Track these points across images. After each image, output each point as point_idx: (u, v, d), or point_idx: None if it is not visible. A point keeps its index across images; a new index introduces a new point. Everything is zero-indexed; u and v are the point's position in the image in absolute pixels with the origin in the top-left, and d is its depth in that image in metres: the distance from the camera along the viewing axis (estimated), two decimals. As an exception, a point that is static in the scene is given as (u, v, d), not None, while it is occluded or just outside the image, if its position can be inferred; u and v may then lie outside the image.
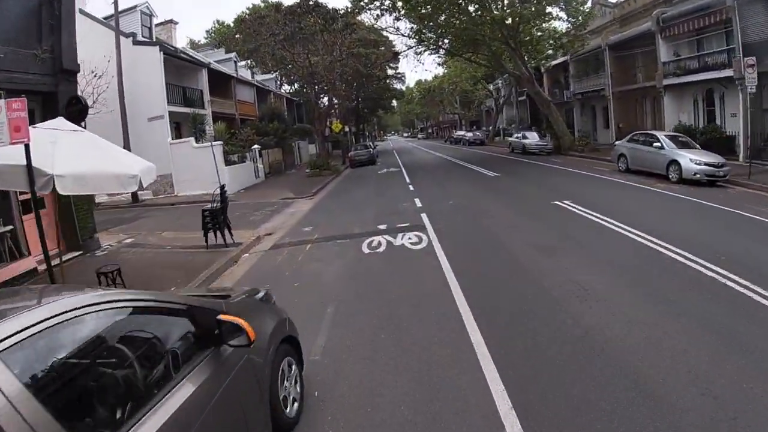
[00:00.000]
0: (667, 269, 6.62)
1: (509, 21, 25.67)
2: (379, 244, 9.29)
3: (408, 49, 32.32)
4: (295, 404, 3.68)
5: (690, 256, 6.94)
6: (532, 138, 30.36)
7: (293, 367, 3.80)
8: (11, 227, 8.66)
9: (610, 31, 28.67)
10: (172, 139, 22.10)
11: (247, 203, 17.69)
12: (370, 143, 41.25)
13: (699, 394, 3.65)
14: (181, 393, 2.32)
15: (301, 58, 28.26)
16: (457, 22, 27.35)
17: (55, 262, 9.76)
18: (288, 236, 11.30)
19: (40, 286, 3.84)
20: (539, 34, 28.90)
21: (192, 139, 21.88)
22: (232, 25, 32.93)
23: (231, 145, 23.63)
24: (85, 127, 8.00)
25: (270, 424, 3.16)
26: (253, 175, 24.58)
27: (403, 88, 64.54)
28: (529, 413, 3.57)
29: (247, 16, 27.60)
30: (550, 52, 31.10)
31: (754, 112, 18.86)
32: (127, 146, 18.91)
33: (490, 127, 52.66)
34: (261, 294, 3.96)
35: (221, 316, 2.67)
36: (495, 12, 24.61)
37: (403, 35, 30.44)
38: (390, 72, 51.34)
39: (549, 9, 26.70)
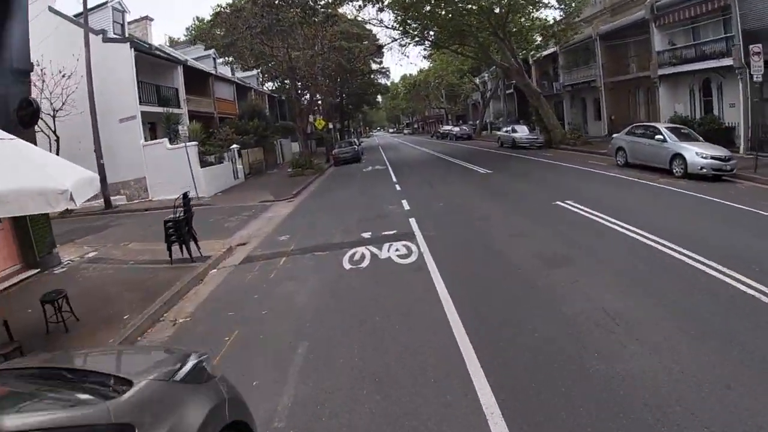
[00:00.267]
0: (709, 290, 5.55)
1: (498, 10, 24.57)
2: (363, 257, 8.12)
3: (392, 41, 31.14)
4: None
5: (733, 273, 5.87)
6: (522, 132, 29.42)
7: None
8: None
9: (601, 21, 27.73)
10: (146, 140, 20.79)
11: (223, 207, 16.44)
12: (355, 140, 39.96)
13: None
14: None
15: (281, 53, 26.92)
16: (443, 12, 26.19)
17: (12, 281, 8.91)
18: (262, 247, 10.10)
19: None
20: (529, 23, 27.89)
21: (166, 140, 20.55)
22: (209, 19, 31.43)
23: (209, 145, 22.40)
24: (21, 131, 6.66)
25: None
26: (231, 177, 23.25)
27: (388, 83, 63.38)
28: None
29: (222, 9, 26.09)
30: (538, 40, 30.10)
31: (755, 103, 18.15)
32: (98, 149, 17.91)
33: (477, 122, 51.78)
34: (189, 365, 2.75)
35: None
36: (483, 1, 23.47)
37: (387, 27, 29.20)
38: (374, 66, 50.26)
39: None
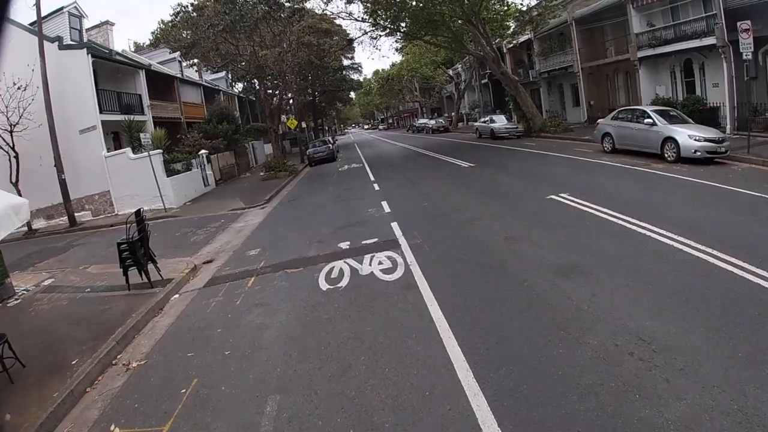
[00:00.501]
0: (751, 300, 4.65)
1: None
2: (341, 273, 7.05)
3: (363, 34, 29.99)
4: None
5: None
6: (500, 121, 28.61)
7: None
8: None
9: (576, 4, 27.03)
10: (108, 151, 19.39)
11: (191, 219, 15.22)
12: (329, 138, 38.60)
13: None
14: None
15: (248, 51, 25.55)
16: (414, 1, 25.15)
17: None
18: (230, 264, 8.96)
19: None
20: (505, 8, 27.04)
21: (128, 149, 19.13)
22: (169, 19, 29.74)
23: (176, 152, 21.10)
24: None
25: None
26: (201, 184, 21.88)
27: (361, 78, 62.13)
28: None
29: (183, 7, 24.54)
30: (513, 26, 29.30)
31: (740, 82, 17.68)
32: (59, 164, 16.62)
33: (453, 114, 50.97)
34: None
35: None
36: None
37: (356, 20, 28.01)
38: (346, 62, 49.16)
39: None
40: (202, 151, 22.70)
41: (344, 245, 8.52)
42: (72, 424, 4.45)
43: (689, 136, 13.07)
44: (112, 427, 4.20)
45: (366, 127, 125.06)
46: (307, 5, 27.40)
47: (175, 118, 26.18)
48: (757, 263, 5.33)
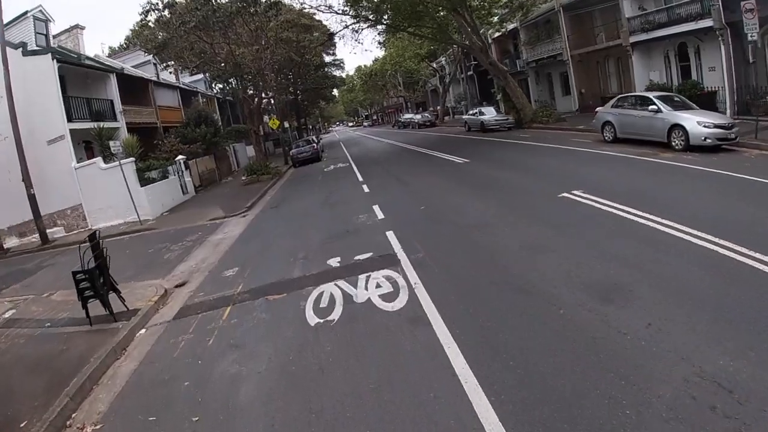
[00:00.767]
0: None
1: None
2: (332, 301, 5.94)
3: (344, 27, 28.81)
4: None
5: None
6: (490, 113, 27.68)
7: None
8: None
9: (562, -10, 26.19)
10: (80, 162, 18.11)
11: (167, 232, 14.05)
12: (313, 137, 37.27)
13: None
14: None
15: (224, 49, 24.24)
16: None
17: None
18: (204, 288, 7.84)
19: None
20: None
21: (99, 159, 17.81)
22: (139, 19, 28.18)
23: (153, 159, 19.85)
24: None
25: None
26: (179, 192, 20.60)
27: (344, 75, 60.97)
28: None
29: (152, 4, 23.10)
30: (499, 14, 28.35)
31: (739, 65, 17.02)
32: (27, 178, 15.36)
33: (438, 108, 50.01)
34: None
35: None
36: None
37: (337, 12, 26.83)
38: (327, 59, 48.02)
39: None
40: (180, 157, 21.42)
41: (334, 262, 7.41)
42: None
43: (698, 123, 12.27)
44: None
45: (350, 124, 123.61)
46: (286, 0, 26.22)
47: (150, 123, 24.89)
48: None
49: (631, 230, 6.59)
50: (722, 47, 17.22)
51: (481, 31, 27.66)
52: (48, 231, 16.47)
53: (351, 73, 73.64)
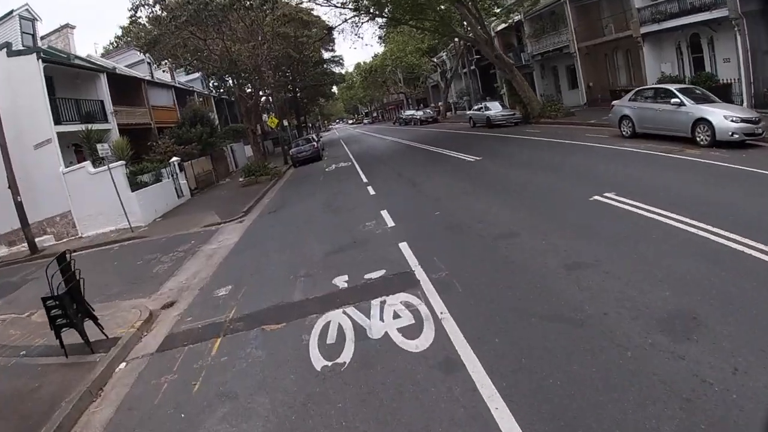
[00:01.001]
0: None
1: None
2: (341, 335, 4.97)
3: (344, 21, 27.86)
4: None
5: None
6: (496, 108, 26.81)
7: None
8: None
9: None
10: (69, 166, 17.19)
11: (159, 240, 13.20)
12: (313, 136, 36.26)
13: None
14: None
15: (219, 46, 23.27)
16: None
17: None
18: (193, 311, 6.96)
19: None
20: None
21: (88, 163, 16.88)
22: (128, 15, 27.14)
23: (146, 162, 18.96)
24: None
25: None
26: (174, 195, 19.69)
27: (343, 71, 59.94)
28: None
29: (142, 1, 22.13)
30: (506, 4, 27.37)
31: (755, 55, 16.21)
32: (13, 185, 14.55)
33: (439, 103, 49.08)
34: None
35: None
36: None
37: (336, 6, 25.87)
38: (327, 55, 47.14)
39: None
40: (174, 159, 20.52)
41: (341, 282, 6.48)
42: None
43: (725, 117, 11.51)
44: None
45: (350, 122, 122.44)
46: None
47: (144, 124, 23.99)
48: None
49: (683, 242, 5.72)
50: (738, 38, 16.48)
51: (488, 22, 26.76)
52: (37, 239, 15.63)
53: (350, 69, 72.59)
